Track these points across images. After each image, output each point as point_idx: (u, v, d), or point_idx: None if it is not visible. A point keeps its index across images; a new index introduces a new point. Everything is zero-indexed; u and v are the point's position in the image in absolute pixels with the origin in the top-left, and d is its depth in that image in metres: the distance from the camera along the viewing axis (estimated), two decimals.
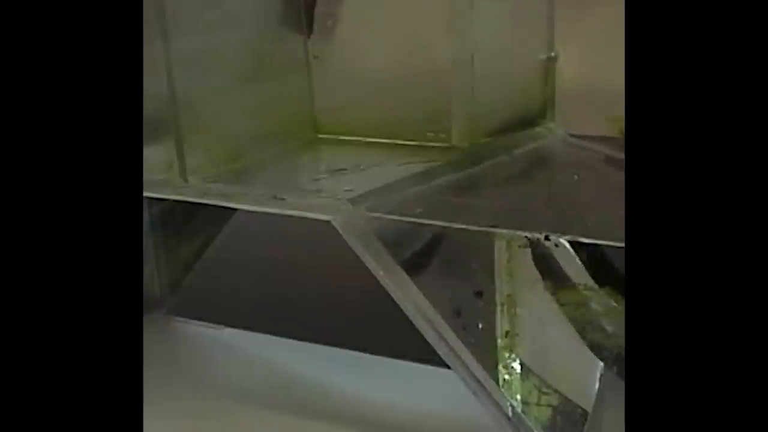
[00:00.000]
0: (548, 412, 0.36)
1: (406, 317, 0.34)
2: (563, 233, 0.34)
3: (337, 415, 0.40)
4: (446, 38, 0.40)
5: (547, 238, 0.37)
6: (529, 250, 0.38)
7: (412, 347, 0.35)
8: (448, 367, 0.34)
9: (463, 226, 0.35)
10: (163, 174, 0.40)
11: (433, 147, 0.41)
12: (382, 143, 0.42)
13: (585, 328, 0.38)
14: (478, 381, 0.34)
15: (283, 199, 0.37)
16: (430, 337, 0.34)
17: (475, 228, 0.35)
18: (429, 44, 0.40)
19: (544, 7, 0.42)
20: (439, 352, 0.34)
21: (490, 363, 0.35)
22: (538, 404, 0.36)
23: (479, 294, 0.36)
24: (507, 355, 0.37)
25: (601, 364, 0.37)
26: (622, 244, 0.24)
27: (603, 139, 0.41)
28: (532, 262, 0.38)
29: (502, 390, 0.35)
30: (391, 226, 0.35)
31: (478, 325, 0.36)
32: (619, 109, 0.26)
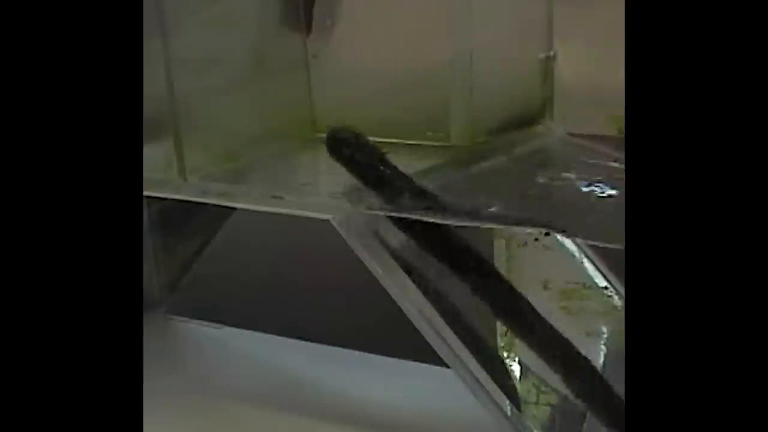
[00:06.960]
0: (547, 411, 0.36)
1: (406, 317, 0.34)
2: (563, 233, 0.34)
3: (337, 415, 0.40)
4: (445, 38, 0.40)
5: (547, 234, 0.37)
6: (528, 249, 0.38)
7: (412, 347, 0.35)
8: (448, 367, 0.34)
9: (463, 224, 0.35)
10: (162, 173, 0.40)
11: (432, 146, 0.41)
12: (382, 143, 0.42)
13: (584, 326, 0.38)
14: (478, 381, 0.34)
15: (282, 198, 0.37)
16: (430, 337, 0.34)
17: (475, 226, 0.35)
18: (428, 44, 0.40)
19: (542, 6, 0.42)
20: (439, 352, 0.34)
21: (490, 363, 0.35)
22: (537, 404, 0.36)
23: None
24: (506, 355, 0.37)
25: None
26: (622, 244, 0.25)
27: (602, 138, 0.41)
28: (531, 261, 0.38)
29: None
30: (390, 225, 0.35)
31: (478, 325, 0.36)
32: (619, 108, 0.26)
